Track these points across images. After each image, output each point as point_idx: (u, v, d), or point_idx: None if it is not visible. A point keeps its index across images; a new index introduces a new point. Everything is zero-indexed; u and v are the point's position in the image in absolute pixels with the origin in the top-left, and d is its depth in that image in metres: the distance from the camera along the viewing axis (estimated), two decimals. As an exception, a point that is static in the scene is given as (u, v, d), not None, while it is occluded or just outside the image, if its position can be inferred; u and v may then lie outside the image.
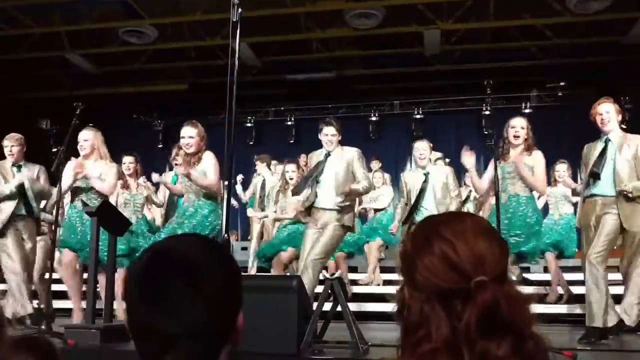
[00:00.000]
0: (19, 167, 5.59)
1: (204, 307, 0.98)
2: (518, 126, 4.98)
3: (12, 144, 5.56)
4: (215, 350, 1.02)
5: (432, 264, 0.99)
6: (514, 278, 6.02)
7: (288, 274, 6.68)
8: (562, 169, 6.84)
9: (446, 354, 0.93)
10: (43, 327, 4.33)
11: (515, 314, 0.93)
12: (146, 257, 1.05)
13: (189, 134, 4.97)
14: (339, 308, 3.96)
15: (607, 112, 4.66)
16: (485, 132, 10.48)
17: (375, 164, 8.80)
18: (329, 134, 5.13)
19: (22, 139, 5.65)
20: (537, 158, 4.94)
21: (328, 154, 5.13)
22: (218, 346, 1.03)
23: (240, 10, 3.77)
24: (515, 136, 4.95)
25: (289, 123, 11.86)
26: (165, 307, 0.97)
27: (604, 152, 4.64)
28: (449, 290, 0.96)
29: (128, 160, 6.55)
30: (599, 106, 4.72)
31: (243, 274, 4.77)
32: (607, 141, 4.67)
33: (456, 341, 0.93)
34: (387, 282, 7.60)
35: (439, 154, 7.67)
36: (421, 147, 5.95)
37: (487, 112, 10.51)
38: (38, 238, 5.92)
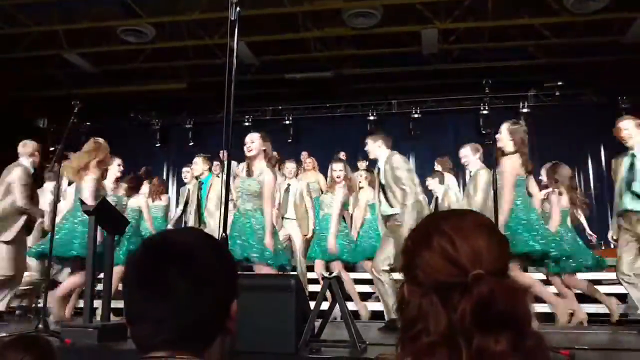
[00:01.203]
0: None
1: (196, 291, 1.01)
2: (623, 128, 4.99)
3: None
4: (209, 335, 1.04)
5: (432, 259, 1.00)
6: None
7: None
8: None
9: (444, 347, 0.94)
10: (40, 325, 4.31)
11: (512, 306, 0.93)
12: (143, 245, 1.08)
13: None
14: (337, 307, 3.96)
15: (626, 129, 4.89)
16: (483, 132, 10.48)
17: (361, 164, 8.59)
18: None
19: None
20: None
21: None
22: (211, 331, 1.05)
23: (238, 9, 3.77)
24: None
25: (287, 122, 11.85)
26: (158, 291, 1.00)
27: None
28: (448, 284, 0.97)
29: None
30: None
31: (243, 272, 4.81)
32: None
33: (454, 335, 0.93)
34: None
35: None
36: None
37: (485, 112, 10.52)
38: None
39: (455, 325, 0.94)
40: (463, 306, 0.93)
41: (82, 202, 5.18)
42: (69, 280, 5.47)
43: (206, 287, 1.02)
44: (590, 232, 7.15)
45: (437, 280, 0.98)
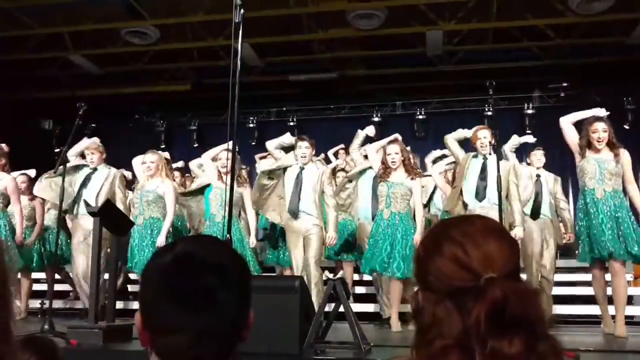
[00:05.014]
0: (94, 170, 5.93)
1: (232, 303, 1.03)
2: (600, 130, 4.97)
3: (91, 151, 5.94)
4: (234, 345, 1.06)
5: (444, 265, 1.01)
6: None
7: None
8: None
9: (458, 350, 0.94)
10: (46, 326, 4.32)
11: (526, 309, 0.93)
12: (171, 256, 1.05)
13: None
14: (341, 309, 3.96)
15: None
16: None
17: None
18: None
19: (100, 147, 6.07)
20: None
21: None
22: (236, 341, 1.07)
23: (242, 10, 3.78)
24: (598, 140, 4.95)
25: (291, 124, 11.83)
26: (196, 305, 1.00)
27: None
28: (461, 289, 0.98)
29: None
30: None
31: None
32: None
33: (468, 339, 0.94)
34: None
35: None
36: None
37: (490, 113, 10.50)
38: None
39: (469, 330, 0.94)
40: (477, 310, 0.93)
41: (87, 204, 5.20)
42: None
43: (239, 297, 1.04)
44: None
45: (451, 285, 0.99)
